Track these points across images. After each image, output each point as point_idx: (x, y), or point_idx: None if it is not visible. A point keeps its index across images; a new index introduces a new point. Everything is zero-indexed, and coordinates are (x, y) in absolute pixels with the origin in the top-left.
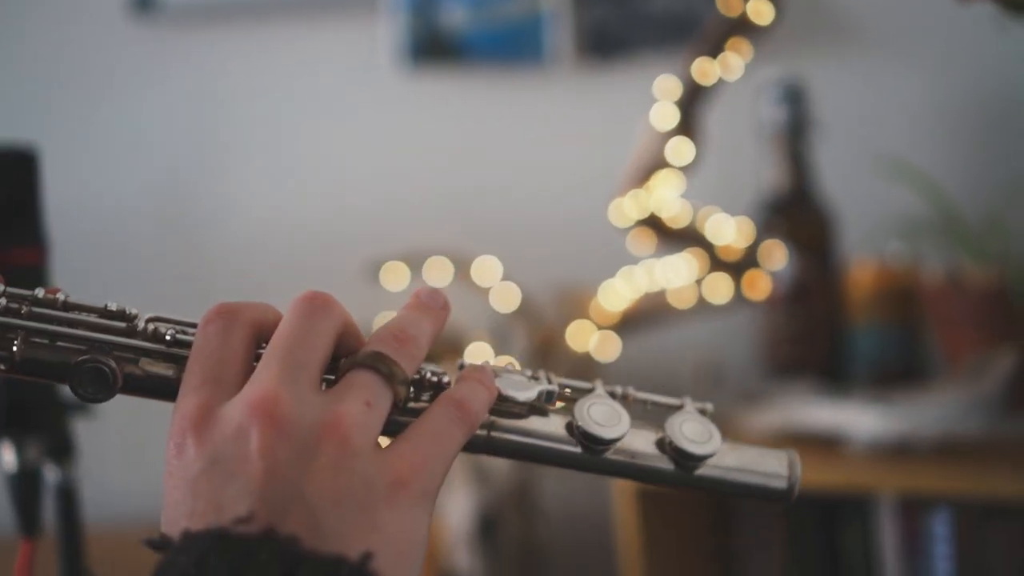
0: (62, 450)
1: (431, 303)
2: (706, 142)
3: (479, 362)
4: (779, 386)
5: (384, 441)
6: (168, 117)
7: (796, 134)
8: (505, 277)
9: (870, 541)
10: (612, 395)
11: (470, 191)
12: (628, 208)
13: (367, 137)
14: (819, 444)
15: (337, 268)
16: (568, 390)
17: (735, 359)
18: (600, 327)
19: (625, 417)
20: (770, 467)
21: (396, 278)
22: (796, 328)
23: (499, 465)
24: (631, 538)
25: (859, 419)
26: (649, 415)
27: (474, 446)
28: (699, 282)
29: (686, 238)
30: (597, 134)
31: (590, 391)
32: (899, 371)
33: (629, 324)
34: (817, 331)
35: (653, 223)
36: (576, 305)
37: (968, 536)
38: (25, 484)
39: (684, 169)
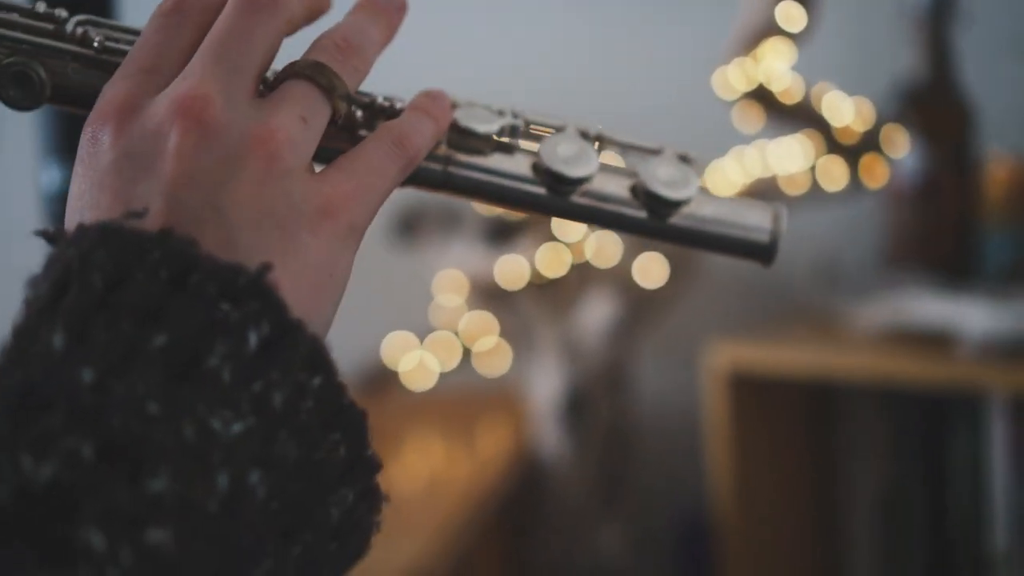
0: None
1: (385, 4)
2: (819, 8)
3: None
4: (895, 282)
5: (316, 169)
6: None
7: (941, 18)
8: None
9: (979, 443)
10: (585, 135)
11: (572, 73)
12: (733, 77)
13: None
14: (929, 341)
15: None
16: (537, 128)
17: (856, 256)
18: None
19: (594, 157)
20: (752, 219)
21: None
22: (924, 226)
23: (590, 342)
24: (720, 426)
25: (972, 315)
26: (627, 160)
27: (430, 181)
28: (813, 168)
29: (799, 115)
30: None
31: (560, 130)
32: None
33: None
34: (946, 230)
35: (762, 95)
36: None
37: None
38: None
39: (795, 37)
